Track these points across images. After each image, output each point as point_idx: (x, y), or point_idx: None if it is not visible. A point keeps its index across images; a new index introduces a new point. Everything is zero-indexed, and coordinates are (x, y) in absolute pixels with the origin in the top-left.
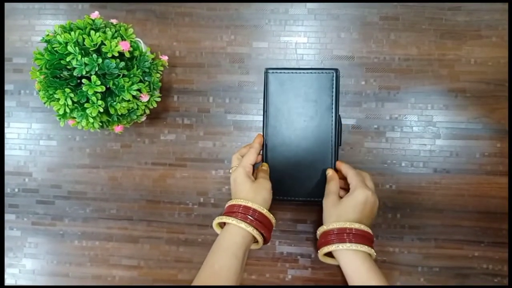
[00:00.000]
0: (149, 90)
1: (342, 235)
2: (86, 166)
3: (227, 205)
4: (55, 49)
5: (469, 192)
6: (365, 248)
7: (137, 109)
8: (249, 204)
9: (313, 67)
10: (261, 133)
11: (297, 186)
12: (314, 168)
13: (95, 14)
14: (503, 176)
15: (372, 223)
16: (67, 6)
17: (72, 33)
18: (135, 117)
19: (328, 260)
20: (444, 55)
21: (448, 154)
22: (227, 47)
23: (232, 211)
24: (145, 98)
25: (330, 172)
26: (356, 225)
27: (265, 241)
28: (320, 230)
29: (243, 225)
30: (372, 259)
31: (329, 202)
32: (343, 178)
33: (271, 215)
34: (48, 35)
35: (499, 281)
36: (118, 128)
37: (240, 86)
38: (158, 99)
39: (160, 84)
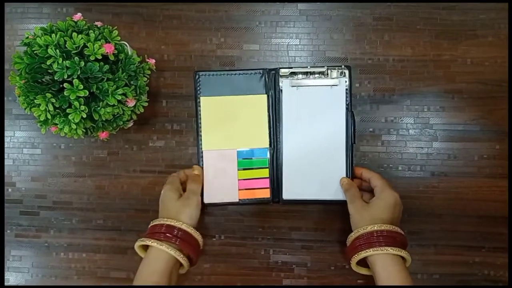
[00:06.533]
0: (135, 95)
1: (379, 237)
2: (71, 174)
3: (150, 225)
4: (35, 52)
5: (468, 196)
6: (403, 253)
7: (123, 114)
8: (173, 223)
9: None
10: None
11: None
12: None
13: (78, 16)
14: (502, 179)
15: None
16: (51, 10)
17: (53, 35)
18: (121, 123)
19: (362, 270)
20: (440, 55)
21: (445, 157)
22: (217, 50)
23: (154, 232)
24: (131, 103)
25: (345, 181)
26: (395, 228)
27: (192, 263)
28: (355, 235)
29: (165, 247)
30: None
31: (357, 206)
32: (359, 183)
33: (198, 233)
34: (27, 37)
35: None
36: (103, 135)
37: None
38: (145, 104)
39: (147, 88)
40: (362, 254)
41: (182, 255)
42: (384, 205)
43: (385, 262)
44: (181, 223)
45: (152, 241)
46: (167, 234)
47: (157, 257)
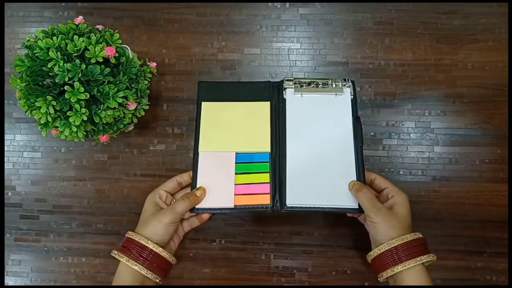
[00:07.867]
0: (136, 98)
1: (417, 247)
2: (72, 178)
3: (127, 235)
4: (36, 55)
5: (469, 201)
6: (434, 257)
7: (124, 117)
8: (145, 243)
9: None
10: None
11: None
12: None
13: (79, 19)
14: (504, 184)
15: None
16: (52, 14)
17: (54, 38)
18: (121, 126)
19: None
20: (440, 60)
21: (447, 161)
22: (218, 54)
23: (127, 247)
24: (132, 106)
25: (355, 183)
26: (420, 234)
27: (161, 277)
28: (390, 245)
29: (132, 264)
30: None
31: (384, 215)
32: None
33: (170, 255)
34: (29, 40)
35: None
36: (103, 138)
37: None
38: (146, 107)
39: (148, 91)
40: (406, 265)
41: (149, 272)
42: (404, 209)
43: (417, 273)
44: (153, 244)
45: (122, 256)
46: (137, 254)
47: (125, 270)
